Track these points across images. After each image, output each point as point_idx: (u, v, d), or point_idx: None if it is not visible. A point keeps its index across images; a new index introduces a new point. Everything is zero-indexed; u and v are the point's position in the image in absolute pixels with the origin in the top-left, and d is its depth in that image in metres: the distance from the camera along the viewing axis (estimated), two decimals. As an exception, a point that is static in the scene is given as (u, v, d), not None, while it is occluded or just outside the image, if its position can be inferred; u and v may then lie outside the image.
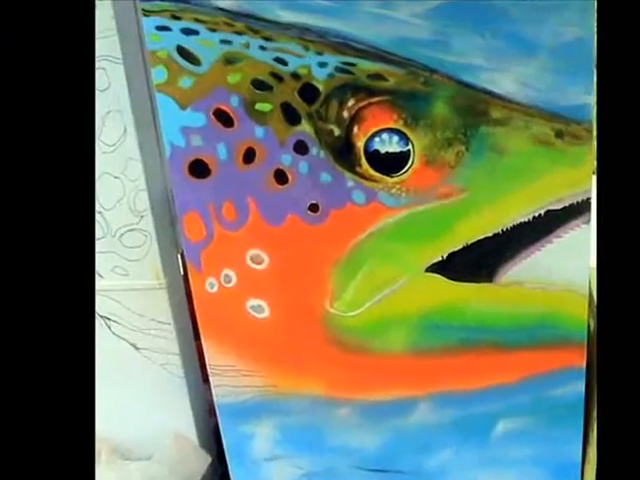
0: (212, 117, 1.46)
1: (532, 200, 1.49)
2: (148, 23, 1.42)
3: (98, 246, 1.71)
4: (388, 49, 1.40)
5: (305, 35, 1.40)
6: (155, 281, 1.75)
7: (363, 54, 1.41)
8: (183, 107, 1.46)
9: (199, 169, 1.50)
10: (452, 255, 1.54)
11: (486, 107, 1.43)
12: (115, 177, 1.66)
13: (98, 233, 1.72)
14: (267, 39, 1.41)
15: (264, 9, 1.40)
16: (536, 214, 1.50)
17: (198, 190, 1.52)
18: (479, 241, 1.52)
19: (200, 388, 1.92)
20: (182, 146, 1.48)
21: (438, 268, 1.55)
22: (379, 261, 1.56)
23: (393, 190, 1.49)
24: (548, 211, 1.49)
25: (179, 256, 1.78)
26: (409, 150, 1.45)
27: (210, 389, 1.72)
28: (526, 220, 1.50)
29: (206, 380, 1.74)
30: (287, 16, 1.40)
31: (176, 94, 1.45)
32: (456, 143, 1.45)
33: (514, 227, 1.51)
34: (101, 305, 1.77)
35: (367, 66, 1.42)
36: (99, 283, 1.73)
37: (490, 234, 1.52)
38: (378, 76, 1.42)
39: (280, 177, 1.50)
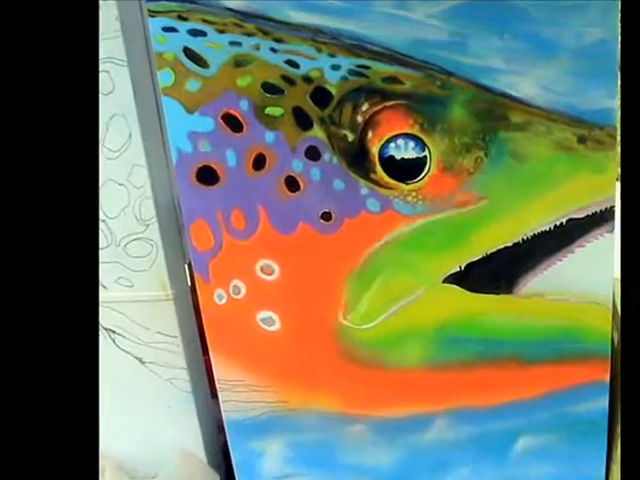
0: (221, 122, 1.44)
1: (553, 208, 1.46)
2: (154, 24, 1.40)
3: (102, 256, 1.68)
4: (404, 51, 1.38)
5: (317, 37, 1.38)
6: (161, 292, 1.71)
7: (378, 56, 1.39)
8: (190, 111, 1.44)
9: (207, 176, 1.48)
10: (470, 266, 1.51)
11: (505, 111, 1.41)
12: (120, 184, 1.63)
13: (102, 242, 1.68)
14: (278, 41, 1.39)
15: (275, 9, 1.37)
16: (557, 223, 1.47)
17: (206, 198, 1.49)
18: (498, 251, 1.50)
19: (208, 404, 1.88)
20: (189, 152, 1.46)
21: (456, 279, 1.52)
22: (394, 272, 1.53)
23: (409, 198, 1.47)
24: (570, 219, 1.47)
25: (186, 266, 1.75)
26: (425, 156, 1.43)
27: (219, 405, 1.69)
28: (547, 229, 1.48)
29: (214, 395, 1.72)
30: (299, 17, 1.37)
31: (183, 98, 1.43)
32: (474, 149, 1.43)
33: (535, 236, 1.48)
34: (105, 317, 1.74)
35: (382, 69, 1.39)
36: (103, 294, 1.70)
37: (510, 244, 1.49)
38: (393, 79, 1.40)
39: (291, 184, 1.47)
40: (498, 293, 1.54)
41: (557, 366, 1.59)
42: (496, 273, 1.52)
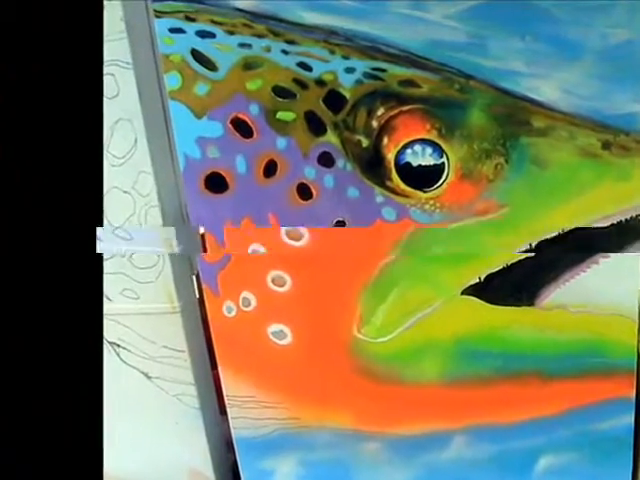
0: (230, 127, 1.42)
1: (577, 217, 1.44)
2: (160, 25, 1.38)
3: (106, 267, 1.64)
4: (421, 53, 1.36)
5: (331, 38, 1.36)
6: (168, 305, 1.68)
7: (394, 59, 1.36)
8: (198, 116, 1.42)
9: (216, 183, 1.46)
10: (490, 277, 1.49)
11: (527, 116, 1.38)
12: (125, 192, 1.59)
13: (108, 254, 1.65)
14: (290, 42, 1.37)
15: (287, 10, 1.35)
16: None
17: (215, 206, 1.47)
18: (519, 261, 1.47)
19: (217, 421, 1.84)
20: (197, 158, 1.44)
21: (475, 291, 1.50)
22: (411, 283, 1.51)
23: (426, 206, 1.44)
24: (594, 229, 1.43)
25: (194, 277, 1.71)
26: (443, 162, 1.40)
27: (228, 421, 1.67)
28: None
29: (223, 412, 1.70)
30: (311, 18, 1.35)
31: (191, 102, 1.41)
32: (495, 155, 1.40)
33: (557, 246, 1.45)
34: (109, 330, 1.71)
35: (398, 72, 1.37)
36: (107, 307, 1.66)
37: (531, 254, 1.46)
38: (410, 82, 1.37)
39: (303, 192, 1.45)
40: (519, 305, 1.51)
41: (580, 381, 1.56)
42: (517, 285, 1.50)
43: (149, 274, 1.66)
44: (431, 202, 1.44)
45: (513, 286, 1.50)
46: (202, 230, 1.57)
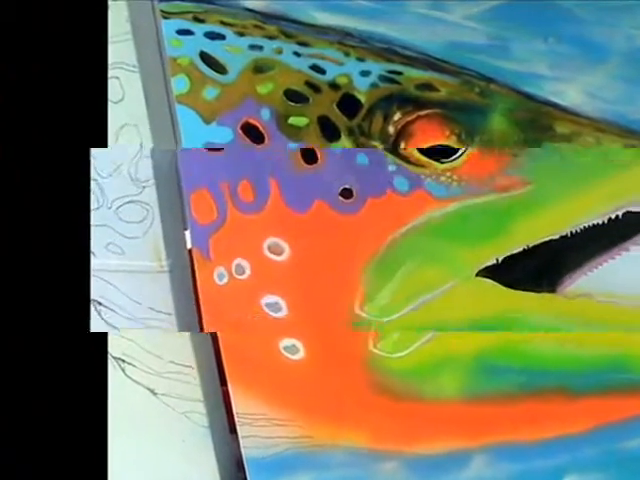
0: (240, 132, 1.40)
1: (608, 199, 1.40)
2: (167, 26, 1.37)
3: (92, 219, 1.61)
4: (439, 56, 1.34)
5: (345, 40, 1.34)
6: (156, 263, 1.65)
7: (411, 61, 1.34)
8: (207, 121, 1.41)
9: None
10: (509, 259, 1.44)
11: (550, 121, 1.36)
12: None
13: (93, 205, 1.62)
14: (302, 44, 1.36)
15: (299, 10, 1.34)
16: (612, 216, 1.41)
17: (211, 165, 1.45)
18: (543, 244, 1.43)
19: (227, 439, 1.83)
20: None
21: (491, 272, 1.46)
22: (422, 261, 1.47)
23: (442, 178, 1.40)
24: (627, 213, 1.41)
25: (186, 234, 1.67)
26: None
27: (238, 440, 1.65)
28: (600, 222, 1.41)
29: (233, 430, 1.68)
30: (325, 18, 1.34)
31: (199, 106, 1.40)
32: None
33: (585, 230, 1.42)
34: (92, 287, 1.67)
35: (415, 75, 1.35)
36: (92, 261, 1.64)
37: (556, 236, 1.42)
38: (428, 86, 1.36)
39: (308, 156, 1.42)
40: (539, 291, 1.47)
41: (606, 398, 1.53)
42: (538, 269, 1.46)
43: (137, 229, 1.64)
44: (448, 174, 1.40)
45: (534, 270, 1.46)
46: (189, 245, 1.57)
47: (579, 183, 1.40)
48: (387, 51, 1.34)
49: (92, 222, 1.61)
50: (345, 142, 1.39)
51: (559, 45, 1.31)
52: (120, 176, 1.60)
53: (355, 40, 1.34)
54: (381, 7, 1.32)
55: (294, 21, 1.35)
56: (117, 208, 1.63)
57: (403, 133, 1.37)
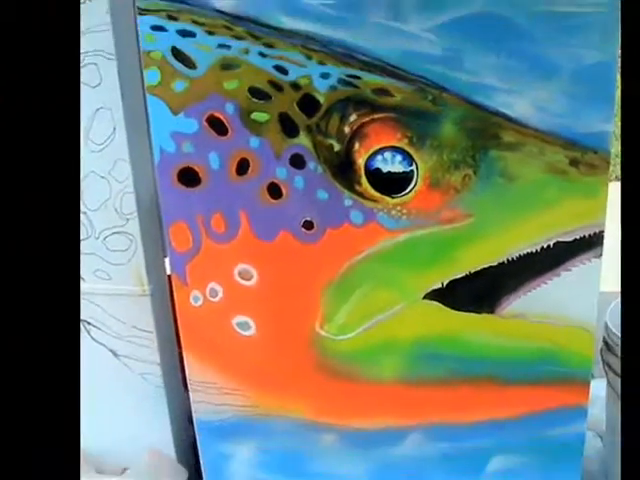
0: (205, 124, 1.48)
1: (541, 230, 1.51)
2: (143, 22, 1.44)
3: (82, 248, 1.74)
4: (396, 63, 1.42)
5: (308, 44, 1.42)
6: (139, 287, 1.77)
7: (369, 67, 1.42)
8: (175, 112, 1.48)
9: (189, 177, 1.52)
10: (453, 283, 1.55)
11: (498, 130, 1.45)
12: (102, 177, 1.69)
13: (82, 234, 1.74)
14: (268, 46, 1.43)
15: (266, 14, 1.41)
16: (545, 245, 1.51)
17: (187, 199, 1.53)
18: (483, 270, 1.54)
19: (180, 399, 1.94)
20: (172, 152, 1.50)
21: (437, 295, 1.57)
22: (375, 285, 1.58)
23: (393, 212, 1.51)
24: (557, 242, 1.51)
25: (166, 261, 1.80)
26: (412, 170, 1.47)
27: (190, 399, 1.73)
28: (533, 251, 1.52)
29: (187, 388, 1.76)
30: (290, 23, 1.41)
31: (168, 98, 1.47)
32: (463, 166, 1.47)
33: (520, 257, 1.53)
34: (81, 309, 1.78)
35: (372, 80, 1.43)
36: (81, 286, 1.75)
37: (495, 263, 1.53)
38: (383, 91, 1.44)
39: (274, 191, 1.51)
40: (480, 312, 1.58)
41: (535, 388, 1.64)
42: (479, 292, 1.57)
43: (122, 256, 1.76)
44: (398, 208, 1.50)
45: (475, 293, 1.57)
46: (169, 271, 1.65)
47: (515, 216, 1.50)
48: (347, 56, 1.42)
49: (82, 250, 1.72)
50: (303, 139, 1.47)
51: (510, 59, 1.39)
52: (107, 209, 1.73)
53: (317, 44, 1.41)
54: (343, 15, 1.39)
55: (261, 24, 1.41)
56: (104, 238, 1.75)
57: (358, 134, 1.46)
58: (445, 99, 1.43)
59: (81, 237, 1.73)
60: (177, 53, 1.45)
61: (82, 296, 1.77)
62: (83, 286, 1.77)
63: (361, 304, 1.59)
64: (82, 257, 1.72)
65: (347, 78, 1.43)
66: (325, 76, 1.44)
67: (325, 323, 1.61)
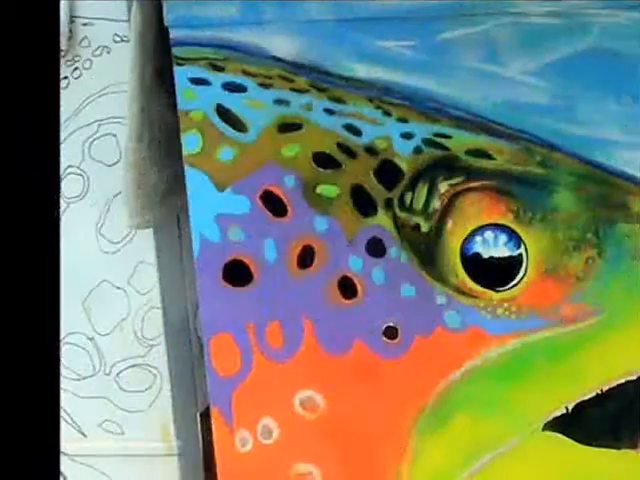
0: (259, 202, 1.35)
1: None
2: (180, 74, 1.32)
3: (85, 388, 1.52)
4: (494, 117, 1.29)
5: (386, 96, 1.30)
6: (163, 444, 1.54)
7: (461, 123, 1.30)
8: (220, 187, 1.35)
9: (238, 274, 1.37)
10: (581, 406, 1.34)
11: (625, 197, 1.29)
12: (117, 287, 1.51)
13: (87, 370, 1.52)
14: (336, 100, 1.32)
15: (333, 60, 1.30)
16: None
17: (235, 303, 1.37)
18: (619, 386, 1.33)
19: None
20: (216, 241, 1.37)
21: (561, 425, 1.35)
22: (479, 412, 1.37)
23: (499, 310, 1.33)
24: None
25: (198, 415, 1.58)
26: (521, 254, 1.30)
27: None
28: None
29: None
30: (363, 70, 1.30)
31: (212, 169, 1.35)
32: (585, 246, 1.30)
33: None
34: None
35: (466, 139, 1.30)
36: (80, 445, 1.53)
37: (634, 377, 1.32)
38: (480, 153, 1.30)
39: (346, 288, 1.36)
40: (618, 447, 1.36)
41: None
42: (616, 418, 1.35)
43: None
44: (505, 305, 1.33)
45: (610, 420, 1.36)
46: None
47: None
48: (434, 110, 1.29)
49: (86, 394, 1.54)
50: (382, 218, 1.32)
51: (634, 105, 1.26)
52: (122, 333, 1.54)
53: (397, 97, 1.29)
54: (428, 59, 1.28)
55: (327, 73, 1.30)
56: (117, 374, 1.55)
57: (451, 208, 1.31)
58: (556, 159, 1.29)
59: (85, 373, 1.53)
60: (223, 112, 1.33)
61: (80, 460, 1.54)
62: (83, 445, 1.53)
63: (462, 440, 1.38)
64: (84, 402, 1.53)
65: (435, 138, 1.30)
66: (407, 136, 1.30)
67: (415, 468, 1.39)
